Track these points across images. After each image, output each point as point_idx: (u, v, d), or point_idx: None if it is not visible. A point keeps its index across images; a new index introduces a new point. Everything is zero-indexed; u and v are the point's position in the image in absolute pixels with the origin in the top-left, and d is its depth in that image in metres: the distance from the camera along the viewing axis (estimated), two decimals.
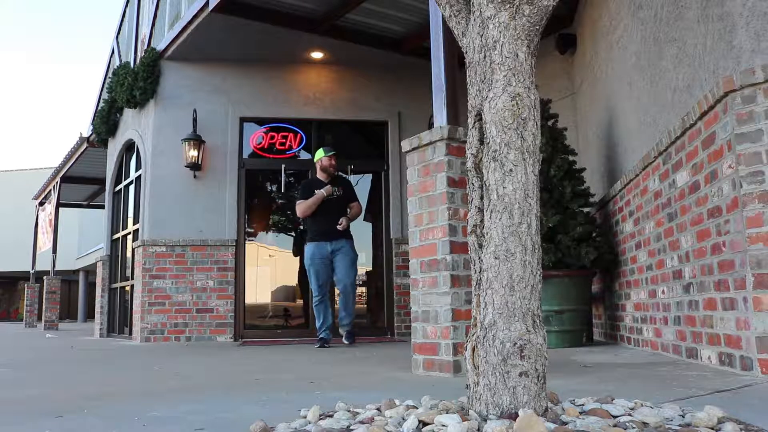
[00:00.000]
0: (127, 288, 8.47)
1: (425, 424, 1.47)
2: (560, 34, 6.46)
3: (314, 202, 5.67)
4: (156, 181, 7.31)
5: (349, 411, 1.71)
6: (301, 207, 5.74)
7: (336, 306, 6.54)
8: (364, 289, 8.05)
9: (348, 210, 5.84)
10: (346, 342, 5.71)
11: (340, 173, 6.46)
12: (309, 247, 5.73)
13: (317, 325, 5.71)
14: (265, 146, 7.57)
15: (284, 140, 7.59)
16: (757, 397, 2.11)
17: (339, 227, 5.61)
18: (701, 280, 3.12)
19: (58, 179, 13.02)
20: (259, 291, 7.83)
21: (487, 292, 1.58)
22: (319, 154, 5.86)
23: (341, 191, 5.83)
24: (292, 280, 8.01)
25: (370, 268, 7.99)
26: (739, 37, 2.75)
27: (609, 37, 5.02)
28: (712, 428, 1.45)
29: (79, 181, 13.26)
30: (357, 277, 5.69)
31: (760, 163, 2.62)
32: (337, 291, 6.32)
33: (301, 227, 6.21)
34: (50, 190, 13.93)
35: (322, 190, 5.66)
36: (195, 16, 6.55)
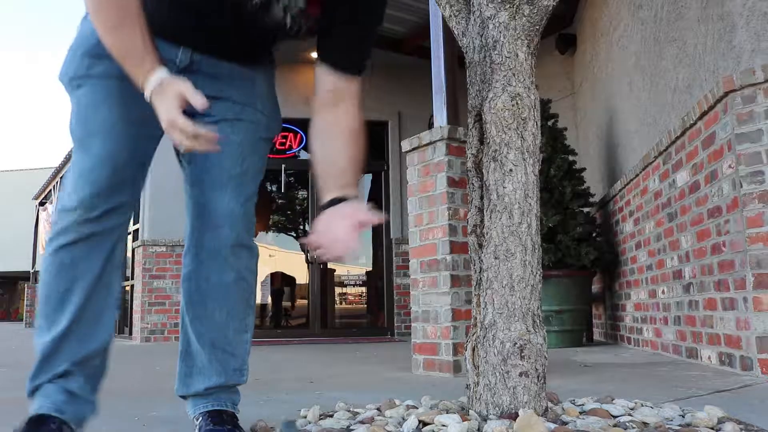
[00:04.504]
0: (127, 288, 8.47)
1: (425, 424, 1.47)
2: (560, 34, 6.46)
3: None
4: (156, 181, 7.31)
5: (349, 411, 1.71)
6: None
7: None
8: (364, 289, 8.04)
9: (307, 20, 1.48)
10: None
11: None
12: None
13: (39, 338, 1.41)
14: None
15: (284, 140, 7.58)
16: (757, 397, 2.11)
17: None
18: (701, 280, 3.12)
19: (58, 179, 13.02)
20: (258, 291, 7.82)
21: (487, 292, 1.58)
22: None
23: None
24: (293, 280, 8.00)
25: (370, 268, 7.98)
26: (739, 37, 2.75)
27: (609, 37, 5.02)
28: (712, 428, 1.45)
29: None
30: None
31: (760, 163, 2.63)
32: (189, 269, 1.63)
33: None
34: (50, 190, 13.93)
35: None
36: None
